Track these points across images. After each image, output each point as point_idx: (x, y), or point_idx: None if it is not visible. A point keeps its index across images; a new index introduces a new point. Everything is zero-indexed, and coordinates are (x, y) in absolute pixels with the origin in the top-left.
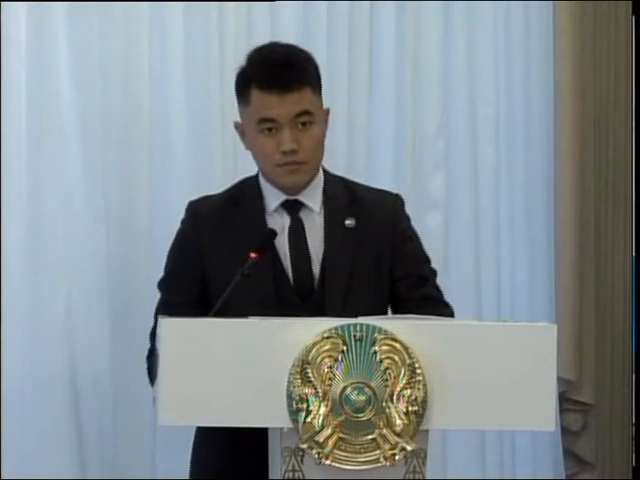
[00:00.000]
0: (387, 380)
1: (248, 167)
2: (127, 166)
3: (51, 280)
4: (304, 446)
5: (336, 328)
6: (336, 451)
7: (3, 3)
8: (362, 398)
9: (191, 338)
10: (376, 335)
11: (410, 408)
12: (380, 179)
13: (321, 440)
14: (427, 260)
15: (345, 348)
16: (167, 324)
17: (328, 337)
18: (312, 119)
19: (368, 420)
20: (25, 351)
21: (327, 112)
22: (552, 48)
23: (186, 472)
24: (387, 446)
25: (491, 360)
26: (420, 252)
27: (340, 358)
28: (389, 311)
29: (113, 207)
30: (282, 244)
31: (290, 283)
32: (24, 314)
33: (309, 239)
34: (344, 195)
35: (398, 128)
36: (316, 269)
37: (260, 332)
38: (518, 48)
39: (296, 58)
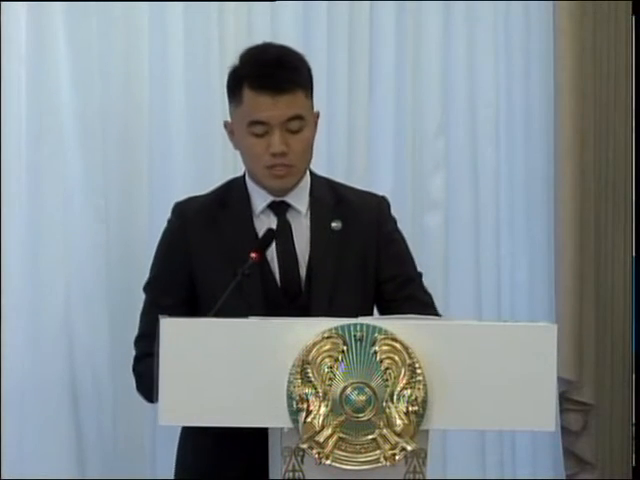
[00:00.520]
0: (387, 380)
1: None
2: (127, 166)
3: (51, 280)
4: (304, 446)
5: (336, 328)
6: (336, 451)
7: (3, 3)
8: (362, 398)
9: (191, 338)
10: (376, 335)
11: (410, 408)
12: (380, 179)
13: (321, 440)
14: (412, 261)
15: (345, 348)
16: (167, 324)
17: (328, 337)
18: (303, 124)
19: (368, 420)
20: (25, 351)
21: (317, 115)
22: (552, 48)
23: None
24: (387, 446)
25: (491, 360)
26: (405, 254)
27: (340, 358)
28: (375, 312)
29: (113, 207)
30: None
31: (277, 285)
32: (24, 314)
33: (296, 241)
34: (330, 197)
35: (398, 128)
36: (302, 271)
37: (260, 332)
38: (518, 48)
39: (289, 59)
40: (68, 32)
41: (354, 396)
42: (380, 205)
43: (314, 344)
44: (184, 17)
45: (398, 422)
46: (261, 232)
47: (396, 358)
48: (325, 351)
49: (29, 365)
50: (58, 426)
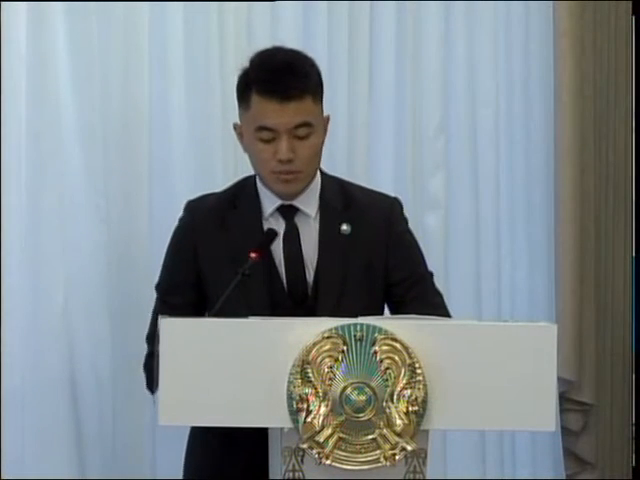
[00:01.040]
0: (387, 380)
1: (248, 167)
2: (127, 166)
3: (51, 279)
4: (304, 446)
5: (336, 328)
6: (336, 451)
7: (3, 3)
8: (362, 398)
9: (191, 338)
10: (376, 335)
11: (410, 408)
12: (380, 179)
13: (321, 440)
14: (423, 262)
15: (345, 348)
16: (167, 324)
17: (328, 337)
18: (311, 130)
19: (368, 420)
20: (25, 351)
21: (327, 119)
22: (552, 48)
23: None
24: (387, 446)
25: (491, 360)
26: (416, 255)
27: (340, 358)
28: (386, 313)
29: (113, 207)
30: (277, 249)
31: (284, 288)
32: (24, 313)
33: (304, 244)
34: (341, 199)
35: (398, 128)
36: (310, 275)
37: (260, 332)
38: (518, 48)
39: (298, 64)
40: (68, 32)
41: (354, 396)
42: (392, 207)
43: (314, 344)
44: (184, 17)
45: (398, 422)
46: None
47: (396, 358)
48: (325, 351)
49: (29, 365)
50: (58, 426)
